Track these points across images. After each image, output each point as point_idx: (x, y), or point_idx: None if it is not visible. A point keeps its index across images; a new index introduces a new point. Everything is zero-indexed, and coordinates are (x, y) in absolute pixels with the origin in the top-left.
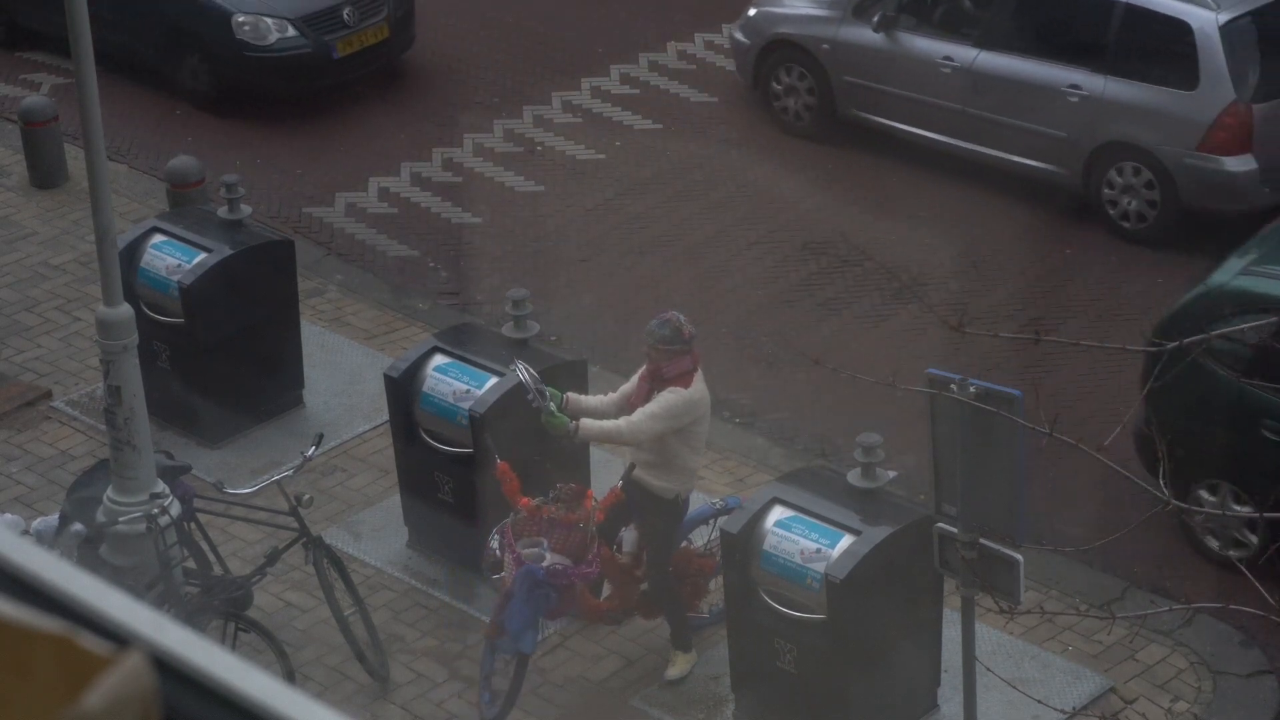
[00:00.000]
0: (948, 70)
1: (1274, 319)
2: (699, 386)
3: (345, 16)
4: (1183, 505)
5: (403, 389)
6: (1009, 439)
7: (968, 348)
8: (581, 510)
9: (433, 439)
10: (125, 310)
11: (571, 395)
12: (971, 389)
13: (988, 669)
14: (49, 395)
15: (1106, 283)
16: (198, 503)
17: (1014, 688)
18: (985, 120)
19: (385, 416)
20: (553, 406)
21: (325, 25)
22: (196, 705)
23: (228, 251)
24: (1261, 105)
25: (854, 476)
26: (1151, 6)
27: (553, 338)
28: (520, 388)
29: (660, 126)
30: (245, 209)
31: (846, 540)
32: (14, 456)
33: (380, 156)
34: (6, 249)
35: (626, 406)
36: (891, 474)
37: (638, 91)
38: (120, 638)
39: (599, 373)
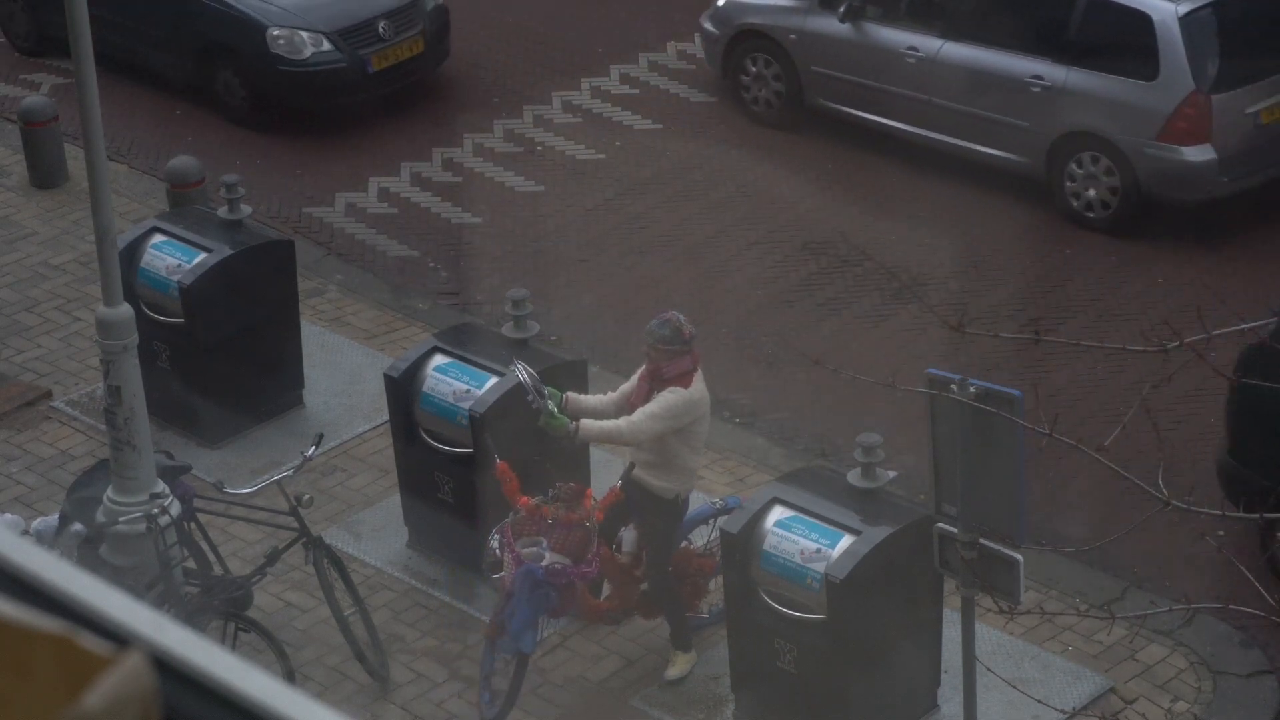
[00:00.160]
0: (913, 60)
1: (1274, 319)
2: (699, 386)
3: (381, 30)
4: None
5: (403, 389)
6: (1009, 439)
7: (968, 348)
8: (581, 510)
9: (433, 439)
10: (125, 310)
11: (571, 395)
12: (971, 389)
13: (988, 669)
14: (49, 395)
15: (1106, 283)
16: (198, 503)
17: (1014, 688)
18: (949, 110)
19: (385, 416)
20: (553, 407)
21: (360, 39)
22: (196, 705)
23: (228, 251)
24: (1221, 96)
25: (854, 476)
26: None
27: (553, 338)
28: (520, 388)
29: (660, 126)
30: (245, 209)
31: (846, 540)
32: (14, 456)
33: (380, 156)
34: (6, 249)
35: (626, 406)
36: (891, 474)
37: (638, 91)
38: (120, 638)
39: (599, 373)
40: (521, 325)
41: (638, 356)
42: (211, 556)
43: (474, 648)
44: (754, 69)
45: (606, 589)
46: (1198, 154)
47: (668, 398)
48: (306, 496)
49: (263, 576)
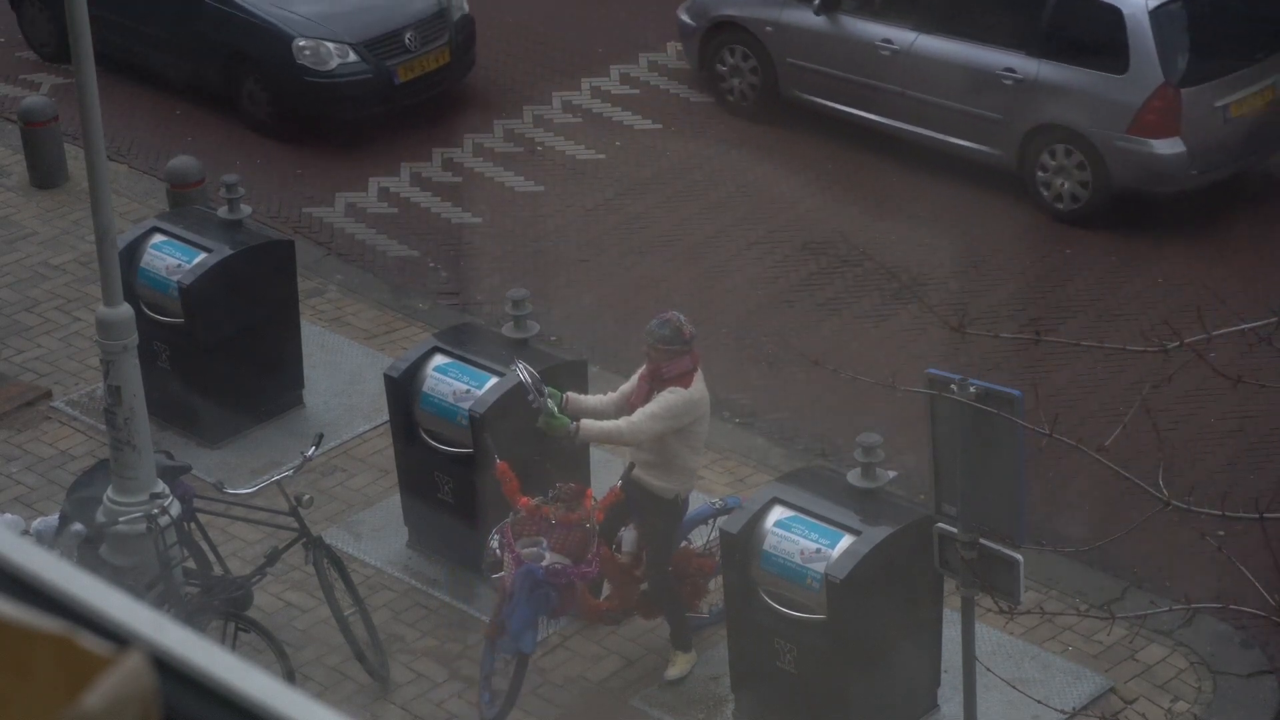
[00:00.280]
0: (887, 53)
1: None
2: (699, 386)
3: (407, 41)
4: (1182, 505)
5: (403, 389)
6: (1009, 439)
7: (968, 348)
8: (581, 510)
9: (433, 439)
10: (125, 310)
11: (571, 395)
12: (971, 389)
13: (988, 669)
14: (49, 395)
15: (1106, 283)
16: (198, 503)
17: (1014, 688)
18: (923, 102)
19: (385, 416)
20: (553, 406)
21: (387, 50)
22: (196, 705)
23: (228, 251)
24: (1190, 89)
25: (854, 476)
26: None
27: (553, 338)
28: (520, 388)
29: (660, 126)
30: (245, 209)
31: (846, 540)
32: (14, 456)
33: (380, 156)
34: (6, 249)
35: (626, 406)
36: (891, 474)
37: (638, 91)
38: (120, 638)
39: (599, 373)
40: (521, 325)
41: (638, 356)
42: (211, 557)
43: (474, 648)
44: (730, 60)
45: (606, 589)
46: (1167, 147)
47: (668, 398)
48: (306, 496)
49: (263, 576)
